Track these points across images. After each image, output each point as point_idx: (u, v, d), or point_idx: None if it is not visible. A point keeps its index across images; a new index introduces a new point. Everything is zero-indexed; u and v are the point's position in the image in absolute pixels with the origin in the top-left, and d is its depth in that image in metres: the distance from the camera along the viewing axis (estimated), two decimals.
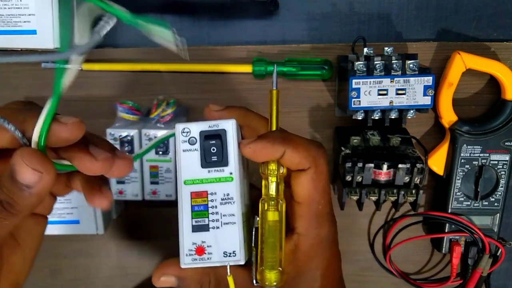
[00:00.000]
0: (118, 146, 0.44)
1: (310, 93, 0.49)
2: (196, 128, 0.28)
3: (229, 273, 0.28)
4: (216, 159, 0.28)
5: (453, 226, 0.48)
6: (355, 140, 0.45)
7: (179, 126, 0.29)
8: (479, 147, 0.46)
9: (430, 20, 0.47)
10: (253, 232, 0.30)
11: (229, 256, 0.28)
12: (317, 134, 0.50)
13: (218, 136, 0.28)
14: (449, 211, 0.48)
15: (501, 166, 0.47)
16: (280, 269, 0.28)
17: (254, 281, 0.29)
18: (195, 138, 0.28)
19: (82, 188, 0.29)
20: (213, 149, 0.28)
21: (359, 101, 0.42)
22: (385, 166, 0.43)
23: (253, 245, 0.30)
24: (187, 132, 0.29)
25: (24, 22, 0.41)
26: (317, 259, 0.30)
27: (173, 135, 0.30)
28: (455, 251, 0.48)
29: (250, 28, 0.48)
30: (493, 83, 0.47)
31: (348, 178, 0.44)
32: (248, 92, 0.48)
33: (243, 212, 0.29)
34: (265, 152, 0.28)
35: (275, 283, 0.28)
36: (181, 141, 0.29)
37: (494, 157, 0.46)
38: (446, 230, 0.48)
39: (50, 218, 0.32)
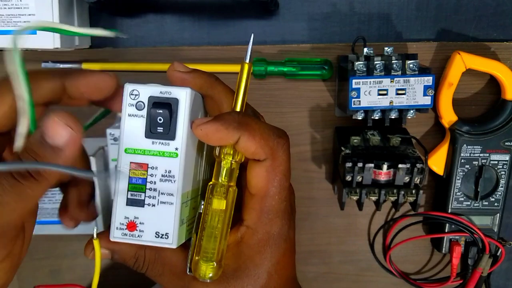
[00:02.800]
0: (118, 147, 0.44)
1: (310, 93, 0.49)
2: (145, 92, 0.25)
3: (95, 236, 0.27)
4: (162, 130, 0.25)
5: (453, 226, 0.48)
6: (355, 140, 0.45)
7: (128, 87, 0.26)
8: (479, 147, 0.46)
9: (430, 20, 0.47)
10: (195, 217, 0.28)
11: (161, 237, 0.26)
12: (317, 134, 0.50)
13: (168, 105, 0.25)
14: (449, 211, 0.48)
15: (501, 166, 0.47)
16: (215, 264, 0.26)
17: (188, 270, 0.27)
18: (143, 103, 0.25)
19: (71, 203, 0.29)
20: (160, 119, 0.25)
21: (359, 101, 0.42)
22: (385, 166, 0.43)
23: (193, 231, 0.27)
24: (136, 95, 0.25)
25: (24, 22, 0.41)
26: (264, 255, 0.28)
27: (109, 112, 0.28)
28: (455, 251, 0.48)
29: (250, 28, 0.48)
30: (493, 83, 0.47)
31: (348, 178, 0.44)
32: (248, 92, 0.48)
33: (189, 191, 0.27)
34: (217, 136, 0.25)
35: (209, 277, 0.26)
36: (127, 104, 0.26)
37: (494, 157, 0.46)
38: (446, 230, 0.48)
39: (50, 218, 0.32)
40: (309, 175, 0.50)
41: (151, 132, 0.25)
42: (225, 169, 0.27)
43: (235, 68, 0.47)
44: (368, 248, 0.53)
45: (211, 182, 0.27)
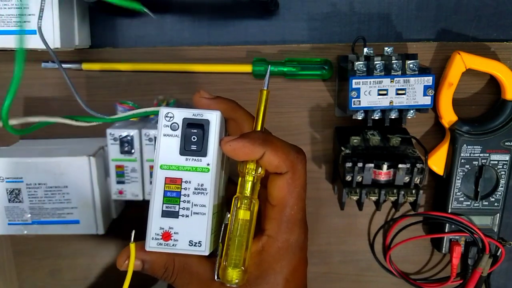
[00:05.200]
0: (118, 146, 0.44)
1: (310, 93, 0.49)
2: (179, 114, 0.28)
3: (132, 240, 0.29)
4: (195, 148, 0.28)
5: (453, 226, 0.48)
6: (355, 140, 0.45)
7: (163, 110, 0.28)
8: (479, 147, 0.46)
9: (430, 20, 0.47)
10: (222, 228, 0.30)
11: (195, 245, 0.28)
12: (317, 134, 0.50)
13: (201, 126, 0.28)
14: (449, 211, 0.48)
15: (501, 166, 0.47)
16: (243, 268, 0.28)
17: (216, 277, 0.29)
18: (178, 124, 0.28)
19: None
20: (194, 138, 0.28)
21: (359, 101, 0.42)
22: (385, 166, 0.43)
23: (220, 240, 0.30)
24: (170, 117, 0.28)
25: (24, 22, 0.41)
26: (283, 263, 0.30)
27: (156, 112, 0.30)
28: (455, 251, 0.48)
29: (250, 28, 0.48)
30: (493, 83, 0.47)
31: (348, 178, 0.44)
32: (248, 92, 0.48)
33: (215, 205, 0.29)
34: (244, 152, 0.28)
35: (236, 281, 0.28)
36: (163, 125, 0.28)
37: (494, 157, 0.46)
38: (446, 230, 0.48)
39: (50, 218, 0.33)
40: (309, 175, 0.50)
41: (185, 149, 0.28)
42: (249, 183, 0.29)
43: (235, 68, 0.47)
44: (368, 248, 0.53)
45: (236, 195, 0.29)
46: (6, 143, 0.49)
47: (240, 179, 0.29)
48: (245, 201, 0.29)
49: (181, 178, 0.28)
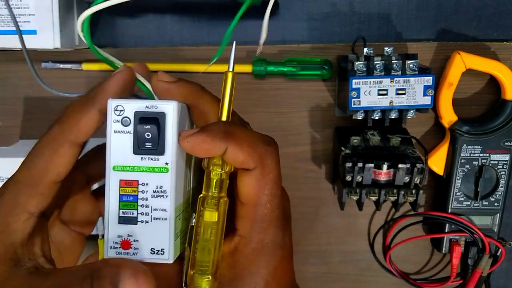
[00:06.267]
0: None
1: (310, 93, 0.49)
2: (130, 107, 0.25)
3: (100, 236, 0.27)
4: (150, 146, 0.25)
5: (453, 226, 0.48)
6: (355, 140, 0.45)
7: (112, 102, 0.25)
8: (479, 147, 0.46)
9: (430, 20, 0.47)
10: (188, 231, 0.27)
11: (157, 253, 0.25)
12: (317, 134, 0.50)
13: (155, 120, 0.24)
14: (449, 211, 0.48)
15: (501, 166, 0.47)
16: (210, 277, 0.26)
17: (183, 284, 0.27)
18: (129, 119, 0.25)
19: None
20: (148, 135, 0.24)
21: (359, 101, 0.42)
22: (385, 166, 0.43)
23: (186, 244, 0.27)
24: (121, 111, 0.25)
25: (24, 22, 0.41)
26: (260, 264, 0.27)
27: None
28: (455, 251, 0.48)
29: (250, 28, 0.48)
30: (493, 83, 0.47)
31: (348, 178, 0.44)
32: (248, 92, 0.48)
33: (180, 204, 0.26)
34: (204, 148, 0.25)
35: None
36: (112, 120, 0.25)
37: (494, 157, 0.46)
38: (446, 230, 0.48)
39: None
40: (309, 175, 0.51)
41: (139, 148, 0.25)
42: (214, 180, 0.26)
43: (235, 68, 0.47)
44: (368, 248, 0.53)
45: (201, 195, 0.26)
46: (6, 143, 0.49)
47: (205, 176, 0.26)
48: (212, 201, 0.26)
49: (137, 180, 0.25)
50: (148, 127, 0.24)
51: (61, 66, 0.47)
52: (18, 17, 0.41)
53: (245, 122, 0.32)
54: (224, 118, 0.27)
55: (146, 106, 0.25)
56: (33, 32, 0.41)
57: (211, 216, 0.26)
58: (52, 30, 0.41)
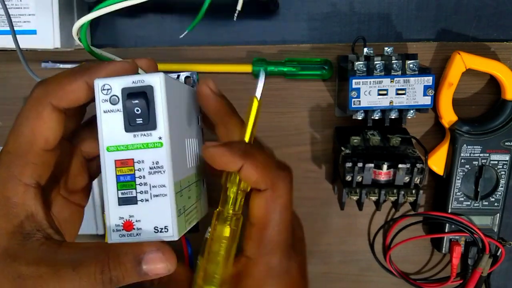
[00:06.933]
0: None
1: (310, 93, 0.49)
2: (117, 84, 0.24)
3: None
4: (141, 121, 0.24)
5: (453, 226, 0.48)
6: (355, 140, 0.45)
7: (98, 82, 0.24)
8: (479, 147, 0.46)
9: (430, 20, 0.47)
10: (203, 243, 0.28)
11: (161, 231, 0.24)
12: (317, 134, 0.50)
13: (143, 94, 0.24)
14: (449, 211, 0.48)
15: (501, 166, 0.47)
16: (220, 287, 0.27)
17: None
18: (117, 97, 0.24)
19: None
20: (137, 110, 0.24)
21: (359, 101, 0.42)
22: (385, 166, 0.43)
23: (199, 255, 0.28)
24: (108, 90, 0.24)
25: (24, 22, 0.41)
26: (265, 287, 0.28)
27: None
28: (455, 251, 0.48)
29: (250, 28, 0.48)
30: (493, 83, 0.47)
31: (348, 178, 0.44)
32: (248, 92, 0.48)
33: (181, 182, 0.26)
34: (222, 160, 0.26)
35: None
36: (101, 100, 0.24)
37: (494, 157, 0.46)
38: (446, 230, 0.48)
39: None
40: (309, 175, 0.51)
41: (130, 125, 0.24)
42: (231, 197, 0.27)
43: (235, 68, 0.47)
44: (368, 248, 0.53)
45: (217, 209, 0.27)
46: None
47: (222, 191, 0.28)
48: (226, 216, 0.27)
49: (133, 159, 0.24)
50: (137, 101, 0.24)
51: (61, 66, 0.47)
52: (18, 17, 0.41)
53: (266, 148, 0.32)
54: (246, 139, 0.28)
55: (133, 81, 0.24)
56: (33, 32, 0.41)
57: (223, 230, 0.27)
58: (52, 30, 0.41)
